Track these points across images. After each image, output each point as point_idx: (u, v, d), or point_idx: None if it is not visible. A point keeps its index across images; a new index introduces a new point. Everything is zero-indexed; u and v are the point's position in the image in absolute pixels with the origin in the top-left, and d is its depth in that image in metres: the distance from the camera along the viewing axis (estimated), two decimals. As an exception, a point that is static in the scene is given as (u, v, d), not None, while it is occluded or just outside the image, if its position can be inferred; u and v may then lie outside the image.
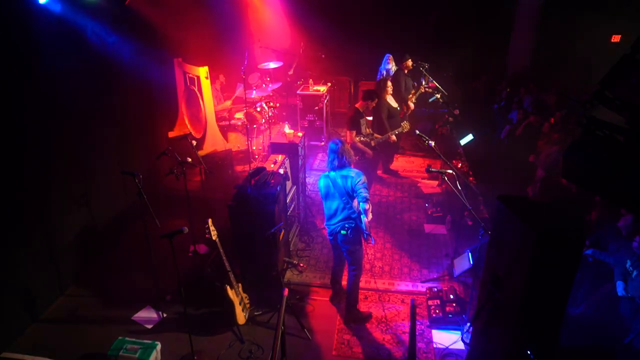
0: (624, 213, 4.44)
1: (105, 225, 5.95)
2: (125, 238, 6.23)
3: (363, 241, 4.59)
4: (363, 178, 4.41)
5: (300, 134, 6.19)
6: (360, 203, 4.35)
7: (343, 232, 4.50)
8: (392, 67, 9.21)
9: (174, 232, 3.90)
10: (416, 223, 6.70)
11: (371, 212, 4.42)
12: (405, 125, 6.68)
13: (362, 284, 5.08)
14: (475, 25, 10.47)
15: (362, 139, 6.38)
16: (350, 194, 4.42)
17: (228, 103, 8.49)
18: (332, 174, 4.53)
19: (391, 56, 9.32)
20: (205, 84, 6.88)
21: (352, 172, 4.47)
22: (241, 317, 4.67)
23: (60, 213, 5.19)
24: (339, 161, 4.46)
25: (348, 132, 6.33)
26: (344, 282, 5.11)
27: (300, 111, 9.02)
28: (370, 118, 8.46)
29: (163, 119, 7.37)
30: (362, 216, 4.38)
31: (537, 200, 5.65)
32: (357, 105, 6.50)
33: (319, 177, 4.65)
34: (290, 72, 9.75)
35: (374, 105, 6.63)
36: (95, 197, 5.69)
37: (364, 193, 4.34)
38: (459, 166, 7.75)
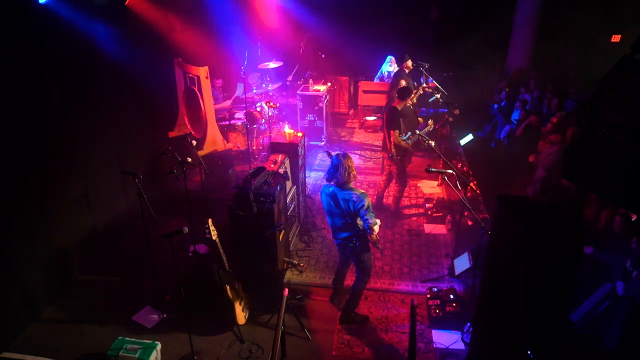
0: (617, 219, 4.44)
1: (105, 225, 5.95)
2: (125, 238, 6.22)
3: (371, 246, 4.55)
4: (367, 201, 4.20)
5: (300, 134, 6.19)
6: (367, 229, 4.25)
7: (351, 244, 4.46)
8: (393, 69, 9.23)
9: (174, 232, 3.90)
10: (416, 223, 6.70)
11: (379, 225, 4.26)
12: (431, 124, 6.61)
13: (362, 284, 5.07)
14: (475, 25, 10.48)
15: (403, 137, 6.28)
16: (353, 215, 4.31)
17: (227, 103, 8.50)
18: (333, 191, 4.35)
19: (393, 58, 9.35)
20: (205, 84, 6.88)
21: (354, 194, 4.23)
22: (241, 317, 4.67)
23: (60, 213, 5.18)
24: (342, 177, 4.24)
25: (392, 132, 6.18)
26: (347, 282, 5.11)
27: (300, 111, 9.02)
28: None
29: (163, 119, 7.36)
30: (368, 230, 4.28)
31: (537, 200, 5.65)
32: (394, 105, 6.31)
33: (320, 191, 4.52)
34: (289, 79, 9.73)
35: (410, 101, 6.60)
36: (95, 197, 5.69)
37: (370, 220, 4.18)
38: (459, 166, 7.75)
